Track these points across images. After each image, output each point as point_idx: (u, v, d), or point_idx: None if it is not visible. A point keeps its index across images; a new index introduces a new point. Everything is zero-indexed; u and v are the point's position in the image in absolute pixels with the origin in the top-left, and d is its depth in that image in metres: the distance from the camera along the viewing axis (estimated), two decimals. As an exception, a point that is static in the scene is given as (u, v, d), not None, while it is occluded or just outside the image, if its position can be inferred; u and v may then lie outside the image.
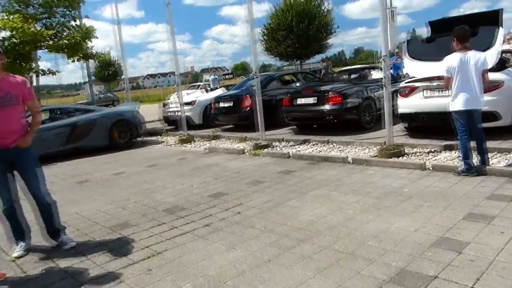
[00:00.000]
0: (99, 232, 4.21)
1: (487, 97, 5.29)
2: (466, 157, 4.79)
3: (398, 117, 7.33)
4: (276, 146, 8.15)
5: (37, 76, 14.02)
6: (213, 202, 4.87)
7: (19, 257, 3.68)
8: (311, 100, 8.86)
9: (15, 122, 3.60)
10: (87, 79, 17.01)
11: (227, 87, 14.69)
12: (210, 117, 11.67)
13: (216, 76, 23.57)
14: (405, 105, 7.21)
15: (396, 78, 10.52)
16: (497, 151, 5.68)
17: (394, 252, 3.07)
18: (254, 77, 8.40)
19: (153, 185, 6.08)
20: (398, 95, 7.38)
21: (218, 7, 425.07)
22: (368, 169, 5.70)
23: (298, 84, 11.90)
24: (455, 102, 4.78)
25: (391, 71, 12.33)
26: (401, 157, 6.02)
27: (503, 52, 6.76)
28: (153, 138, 11.93)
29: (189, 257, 3.39)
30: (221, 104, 11.15)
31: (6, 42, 11.54)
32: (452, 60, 4.73)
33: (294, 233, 3.65)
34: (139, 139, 11.13)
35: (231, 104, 10.88)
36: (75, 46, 12.67)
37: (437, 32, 7.66)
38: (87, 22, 13.99)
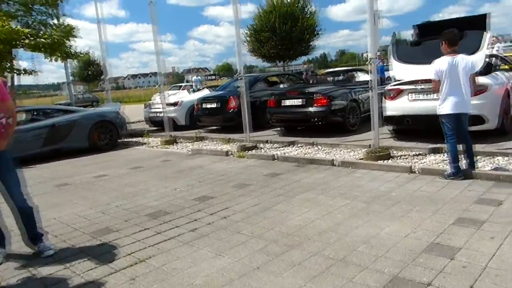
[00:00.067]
0: (79, 238, 4.03)
1: (473, 101, 5.31)
2: (454, 160, 4.79)
3: (384, 120, 7.34)
4: (262, 148, 8.06)
5: (17, 75, 13.62)
6: (198, 206, 4.75)
7: (-4, 265, 3.50)
8: (297, 102, 8.81)
9: None
10: (66, 79, 16.64)
11: (210, 88, 14.52)
12: (194, 118, 11.52)
13: (199, 77, 23.34)
14: (391, 108, 7.21)
15: (381, 81, 10.56)
16: (482, 154, 5.71)
17: (386, 259, 3.01)
18: (239, 78, 8.31)
19: (135, 188, 5.91)
20: (384, 98, 7.38)
21: (202, 7, 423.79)
22: (355, 172, 5.65)
23: (283, 86, 11.86)
24: (443, 106, 4.77)
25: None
26: (387, 160, 6.00)
27: (488, 56, 6.83)
28: (135, 139, 11.70)
29: (174, 264, 3.26)
30: (206, 105, 11.00)
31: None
32: (441, 63, 4.72)
33: (283, 239, 3.56)
34: (120, 140, 10.89)
35: (216, 106, 10.75)
36: (53, 45, 12.35)
37: (424, 35, 7.71)
38: (67, 21, 13.68)
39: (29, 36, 12.09)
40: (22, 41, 11.99)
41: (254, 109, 9.55)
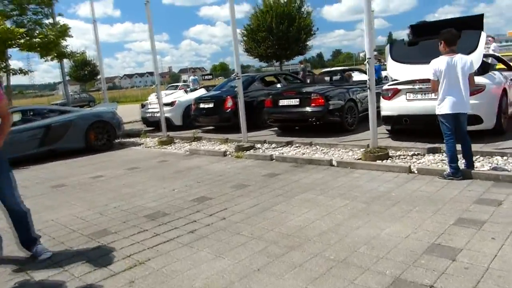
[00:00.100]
0: (76, 240, 3.99)
1: (470, 101, 5.29)
2: (452, 160, 4.78)
3: (381, 120, 7.33)
4: (259, 148, 8.03)
5: (9, 75, 13.52)
6: (196, 207, 4.71)
7: (-10, 269, 3.44)
8: (293, 102, 8.79)
9: None
10: (61, 79, 16.54)
11: (207, 88, 14.48)
12: (190, 118, 11.47)
13: (196, 77, 23.28)
14: (388, 107, 7.21)
15: (377, 81, 10.55)
16: (480, 154, 5.71)
17: (387, 260, 2.99)
18: (236, 78, 8.27)
19: (133, 189, 5.86)
20: (381, 97, 7.37)
21: (197, 7, 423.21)
22: (354, 172, 5.64)
23: (279, 86, 11.83)
24: (442, 106, 4.76)
25: None
26: (386, 160, 5.99)
27: (484, 56, 6.83)
28: (132, 139, 11.64)
29: (174, 266, 3.22)
30: (202, 105, 10.96)
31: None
32: (439, 63, 4.71)
33: (283, 240, 3.53)
34: (117, 140, 10.83)
35: (212, 105, 10.70)
36: (49, 45, 12.27)
37: (419, 35, 7.71)
38: (62, 20, 13.59)
39: (24, 35, 12.00)
40: (17, 40, 11.90)
41: (251, 109, 9.54)
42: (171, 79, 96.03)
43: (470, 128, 5.71)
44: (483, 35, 6.62)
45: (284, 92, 9.34)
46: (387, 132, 7.68)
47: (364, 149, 6.65)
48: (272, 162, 6.84)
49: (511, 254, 2.91)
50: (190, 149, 8.74)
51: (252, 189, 5.29)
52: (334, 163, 6.15)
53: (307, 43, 30.20)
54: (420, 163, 5.76)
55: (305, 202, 4.52)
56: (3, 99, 3.52)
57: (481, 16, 7.24)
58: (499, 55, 9.85)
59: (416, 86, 6.82)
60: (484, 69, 6.73)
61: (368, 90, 6.22)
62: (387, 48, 7.82)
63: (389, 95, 7.19)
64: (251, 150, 7.77)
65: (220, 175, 6.20)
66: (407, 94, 6.94)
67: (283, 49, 28.73)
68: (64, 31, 12.71)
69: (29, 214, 3.69)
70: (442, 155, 5.98)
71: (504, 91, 6.88)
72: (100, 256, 3.55)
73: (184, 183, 5.94)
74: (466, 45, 6.28)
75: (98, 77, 59.52)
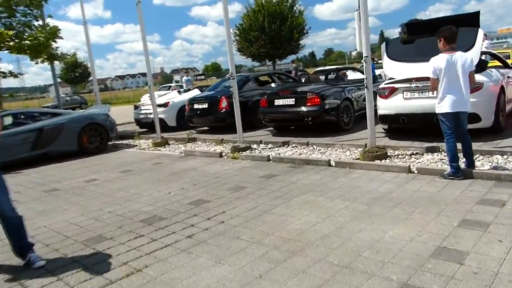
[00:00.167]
0: (71, 247, 3.86)
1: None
2: (453, 160, 4.71)
3: (378, 119, 7.26)
4: (255, 148, 7.93)
5: (2, 78, 13.30)
6: (194, 211, 4.60)
7: (-19, 279, 3.32)
8: (289, 101, 8.70)
9: None
10: (52, 81, 16.31)
11: (200, 88, 14.34)
12: (184, 119, 11.35)
13: (190, 77, 23.10)
14: (385, 106, 7.15)
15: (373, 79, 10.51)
16: (479, 153, 5.66)
17: (393, 264, 2.90)
18: (231, 78, 8.17)
19: (128, 192, 5.74)
20: (378, 96, 7.31)
21: (188, 7, 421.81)
22: (353, 173, 5.56)
23: (273, 85, 11.74)
24: (442, 104, 4.69)
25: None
26: (384, 160, 5.92)
27: (480, 53, 6.79)
28: (125, 141, 11.49)
29: (172, 274, 3.12)
30: (196, 106, 10.83)
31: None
32: (439, 61, 4.64)
33: (284, 245, 3.44)
34: (110, 143, 10.68)
35: (206, 106, 10.59)
36: (39, 47, 12.07)
37: (414, 34, 7.66)
38: (51, 22, 13.38)
39: (13, 38, 11.80)
40: (6, 43, 11.70)
41: (246, 109, 9.45)
42: (163, 79, 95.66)
43: (468, 126, 5.67)
44: (480, 32, 6.58)
45: (280, 91, 9.25)
46: (384, 131, 7.63)
47: (362, 149, 6.58)
48: (269, 163, 6.75)
49: (520, 256, 2.84)
50: (185, 150, 8.62)
51: (249, 191, 5.19)
52: (332, 163, 6.07)
53: (300, 42, 30.17)
54: (419, 162, 5.69)
55: (305, 204, 4.43)
56: None
57: (477, 14, 7.19)
58: (495, 52, 9.84)
59: (413, 85, 6.77)
60: (481, 66, 6.69)
61: (366, 89, 6.15)
62: (383, 46, 7.76)
63: (386, 93, 7.13)
64: (247, 151, 7.68)
65: (216, 177, 6.10)
66: (404, 92, 6.88)
67: (275, 48, 28.68)
68: (54, 33, 12.51)
69: (23, 220, 3.58)
70: (441, 154, 5.94)
71: (502, 88, 6.85)
72: (95, 264, 3.43)
73: (180, 185, 5.83)
74: (463, 42, 6.23)
75: (90, 78, 59.14)
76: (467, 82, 4.59)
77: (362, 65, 6.37)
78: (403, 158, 6.01)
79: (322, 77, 11.07)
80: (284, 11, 28.23)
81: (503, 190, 4.25)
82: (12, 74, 13.63)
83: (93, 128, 9.77)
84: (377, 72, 15.02)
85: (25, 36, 12.16)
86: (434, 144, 6.24)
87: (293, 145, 7.84)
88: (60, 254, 3.71)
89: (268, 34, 27.77)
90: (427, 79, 6.44)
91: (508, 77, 7.52)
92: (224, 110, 10.13)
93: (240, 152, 7.54)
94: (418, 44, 7.23)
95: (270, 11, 27.78)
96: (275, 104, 8.96)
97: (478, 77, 6.24)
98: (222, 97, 10.24)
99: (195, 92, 12.81)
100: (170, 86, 28.17)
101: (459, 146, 4.86)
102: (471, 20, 6.97)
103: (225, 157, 7.61)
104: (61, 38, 12.76)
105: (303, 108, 8.40)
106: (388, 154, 6.15)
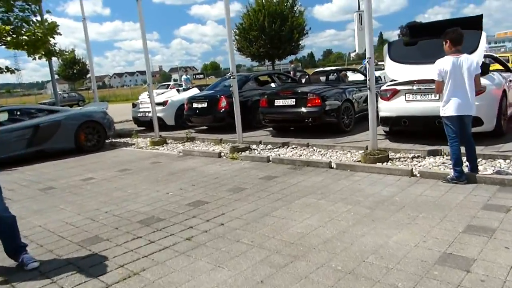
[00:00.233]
0: (66, 248, 3.76)
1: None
2: (457, 164, 4.64)
3: (379, 121, 7.19)
4: (255, 149, 7.84)
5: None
6: (192, 212, 4.51)
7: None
8: (289, 102, 8.62)
9: None
10: (50, 78, 16.16)
11: (199, 87, 14.24)
12: (183, 118, 11.25)
13: (189, 76, 23.00)
14: (387, 108, 7.08)
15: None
16: (482, 157, 5.58)
17: (398, 271, 2.82)
18: (231, 77, 8.08)
19: (125, 192, 5.64)
20: (379, 98, 7.23)
21: (188, 6, 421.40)
22: (354, 175, 5.48)
23: (273, 85, 11.66)
24: (446, 107, 4.61)
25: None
26: (386, 163, 5.84)
27: (484, 57, 6.73)
28: (123, 140, 11.38)
29: (171, 277, 3.02)
30: (195, 105, 10.74)
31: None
32: (445, 63, 4.56)
33: (286, 248, 3.35)
34: (108, 141, 10.57)
35: (206, 105, 10.49)
36: (36, 43, 11.90)
37: (416, 36, 7.59)
38: (50, 18, 13.23)
39: (10, 33, 11.64)
40: (3, 38, 11.54)
41: (245, 109, 9.36)
42: (162, 78, 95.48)
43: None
44: (484, 35, 6.51)
45: (280, 92, 9.16)
46: (385, 134, 7.55)
47: (363, 151, 6.52)
48: (269, 164, 6.66)
49: (528, 264, 2.77)
50: (183, 150, 8.52)
51: (249, 192, 5.10)
52: (333, 165, 5.99)
53: (300, 42, 30.10)
54: (421, 166, 5.61)
55: (306, 207, 4.35)
56: None
57: (480, 17, 7.13)
58: (497, 55, 9.79)
59: (415, 87, 6.70)
60: (484, 70, 6.61)
61: (368, 91, 6.07)
62: (385, 48, 7.69)
63: (388, 95, 7.06)
64: (247, 151, 7.59)
65: (215, 178, 6.01)
66: (406, 95, 6.81)
67: (275, 48, 28.60)
68: (52, 29, 12.35)
69: (16, 220, 3.48)
70: (443, 157, 5.87)
71: (504, 92, 6.79)
72: (91, 266, 3.34)
73: (178, 186, 5.73)
74: (467, 45, 6.16)
75: (88, 76, 58.94)
76: (473, 85, 4.52)
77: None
78: (405, 161, 5.93)
79: (323, 78, 10.99)
80: (285, 11, 28.16)
81: (507, 195, 4.18)
82: (9, 70, 13.44)
83: (90, 126, 9.67)
84: (377, 73, 14.95)
85: (22, 32, 11.97)
86: (436, 147, 6.17)
87: (293, 146, 7.76)
88: (54, 255, 3.61)
89: (268, 34, 27.69)
90: (429, 81, 6.40)
91: (510, 80, 7.47)
92: (223, 109, 10.04)
93: (240, 153, 7.46)
94: (420, 46, 7.16)
95: (271, 11, 27.70)
96: (275, 104, 8.88)
97: (481, 81, 6.17)
98: (222, 96, 10.15)
99: (194, 91, 12.71)
100: (169, 85, 28.06)
101: (462, 150, 4.79)
102: (474, 23, 6.90)
103: (224, 157, 7.52)
104: (60, 34, 12.60)
105: (304, 109, 8.32)
106: (390, 156, 6.08)
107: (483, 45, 6.40)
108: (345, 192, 4.75)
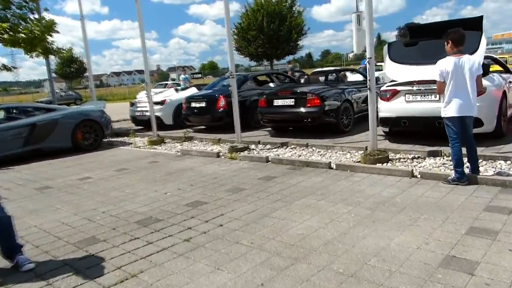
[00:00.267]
0: (62, 249, 3.70)
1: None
2: (458, 165, 4.60)
3: (379, 121, 7.15)
4: (253, 149, 7.79)
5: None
6: (191, 213, 4.45)
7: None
8: (288, 102, 8.57)
9: None
10: (47, 76, 16.06)
11: (197, 86, 14.18)
12: (181, 118, 11.19)
13: (187, 75, 22.92)
14: (387, 109, 7.04)
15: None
16: (482, 158, 5.54)
17: (401, 274, 2.77)
18: (230, 76, 8.01)
19: (122, 192, 5.58)
20: (379, 99, 7.19)
21: (186, 5, 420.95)
22: (354, 176, 5.43)
23: (272, 85, 11.61)
24: (448, 108, 4.57)
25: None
26: (386, 163, 5.80)
27: (484, 58, 6.69)
28: (120, 139, 11.31)
29: (169, 280, 2.97)
30: (193, 104, 10.67)
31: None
32: (446, 64, 4.51)
33: (286, 250, 3.30)
34: (105, 140, 10.49)
35: (204, 105, 10.43)
36: (34, 41, 11.83)
37: (416, 37, 7.55)
38: (47, 16, 13.15)
39: (7, 30, 11.56)
40: (0, 36, 11.46)
41: (244, 108, 9.31)
42: (160, 77, 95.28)
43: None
44: (484, 36, 6.48)
45: (279, 91, 9.11)
46: (384, 134, 7.51)
47: (362, 151, 6.47)
48: (268, 164, 6.61)
49: (533, 268, 2.72)
50: (181, 149, 8.46)
51: (248, 193, 5.04)
52: (333, 166, 5.95)
53: (298, 42, 30.05)
54: (421, 166, 5.57)
55: (306, 208, 4.29)
56: None
57: (480, 18, 7.10)
58: (496, 57, 9.77)
59: (415, 88, 6.66)
60: (484, 71, 6.57)
61: (368, 91, 6.03)
62: (385, 48, 7.66)
63: (388, 96, 7.02)
64: (245, 151, 7.54)
65: (214, 178, 5.95)
66: (406, 95, 6.78)
67: (274, 48, 28.54)
68: (49, 27, 12.29)
69: (12, 219, 3.41)
70: (443, 158, 5.84)
71: (504, 93, 6.76)
72: (88, 268, 3.28)
73: (176, 186, 5.67)
74: (468, 46, 6.13)
75: (85, 74, 58.71)
76: (474, 86, 4.47)
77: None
78: (405, 162, 5.89)
79: (322, 78, 10.94)
80: (283, 11, 28.10)
81: (509, 197, 4.14)
82: (5, 68, 13.38)
83: (87, 125, 9.59)
84: (376, 74, 14.95)
85: (20, 29, 11.90)
86: (436, 148, 6.14)
87: (292, 146, 7.70)
88: (50, 257, 3.54)
89: (267, 34, 27.62)
90: (429, 82, 6.37)
91: (510, 82, 7.44)
92: (222, 109, 9.98)
93: (238, 153, 7.40)
94: (421, 46, 7.13)
95: (269, 10, 27.63)
96: (274, 104, 8.83)
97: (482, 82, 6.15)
98: (220, 96, 10.09)
99: (193, 90, 12.64)
100: (167, 84, 28.01)
101: (463, 151, 4.75)
102: (474, 25, 6.87)
103: (223, 157, 7.46)
104: (57, 32, 12.56)
105: (303, 109, 8.27)
106: (390, 157, 6.03)
107: (483, 46, 6.36)
108: (345, 193, 4.71)
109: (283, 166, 6.36)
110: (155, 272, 3.10)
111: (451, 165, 5.33)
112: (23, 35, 11.72)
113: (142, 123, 12.28)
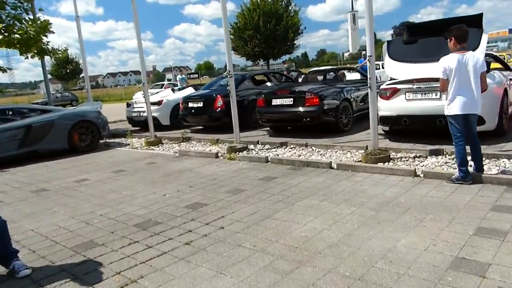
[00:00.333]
0: (59, 254, 3.59)
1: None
2: (462, 164, 4.52)
3: (379, 120, 7.07)
4: (252, 149, 7.70)
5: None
6: (191, 215, 4.36)
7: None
8: (287, 101, 8.48)
9: None
10: (42, 78, 15.90)
11: (194, 86, 14.06)
12: (178, 118, 11.08)
13: (184, 76, 22.80)
14: (387, 107, 6.96)
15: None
16: (485, 157, 5.45)
17: (410, 277, 2.69)
18: (228, 76, 7.92)
19: (120, 194, 5.47)
20: (379, 97, 7.11)
21: (181, 5, 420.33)
22: (356, 176, 5.35)
23: (269, 84, 11.52)
24: (451, 106, 4.50)
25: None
26: (388, 163, 5.72)
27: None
28: (117, 140, 11.19)
29: (170, 285, 2.87)
30: (191, 104, 10.57)
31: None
32: (450, 61, 4.44)
33: (290, 253, 3.21)
34: (102, 141, 10.38)
35: (202, 105, 10.33)
36: (29, 41, 11.66)
37: (415, 35, 7.48)
38: (42, 16, 12.99)
39: (2, 31, 11.40)
40: (-5, 37, 11.30)
41: (241, 108, 9.19)
42: (156, 78, 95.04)
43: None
44: (485, 33, 6.42)
45: (277, 91, 9.02)
46: (383, 133, 7.44)
47: (363, 150, 6.40)
48: (267, 164, 6.52)
49: (545, 269, 2.65)
50: (179, 150, 8.35)
51: (249, 194, 4.95)
52: (334, 165, 5.86)
53: (295, 42, 29.97)
54: (423, 165, 5.50)
55: (308, 209, 4.21)
56: None
57: (480, 16, 7.03)
58: (497, 54, 9.73)
59: (415, 86, 6.59)
60: (486, 68, 6.52)
61: (369, 89, 5.95)
62: (384, 46, 7.58)
63: (388, 94, 6.94)
64: (244, 152, 7.44)
65: (213, 179, 5.85)
66: (407, 93, 6.70)
67: (270, 47, 28.46)
68: (45, 27, 12.11)
69: (7, 225, 3.31)
70: (446, 157, 5.77)
71: (505, 91, 6.70)
72: (86, 273, 3.18)
73: (175, 187, 5.58)
74: (468, 43, 6.07)
75: (81, 75, 58.44)
76: (479, 83, 4.40)
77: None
78: (407, 161, 5.82)
79: (320, 77, 10.86)
80: (279, 11, 28.02)
81: (515, 196, 4.07)
82: (1, 69, 13.21)
83: (84, 126, 9.47)
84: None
85: (15, 30, 11.73)
86: (437, 146, 6.07)
87: (292, 146, 7.62)
88: (47, 262, 3.44)
89: (263, 34, 27.54)
90: (430, 80, 6.31)
91: (510, 79, 7.39)
92: (219, 109, 9.88)
93: (237, 153, 7.31)
94: (420, 44, 7.06)
95: (265, 10, 27.55)
96: (273, 103, 8.74)
97: (483, 79, 6.08)
98: (218, 95, 9.99)
99: (190, 91, 12.53)
100: (163, 84, 27.86)
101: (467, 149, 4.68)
102: (474, 22, 6.81)
103: (221, 157, 7.37)
104: (52, 32, 12.37)
105: (302, 108, 8.19)
106: (391, 156, 5.96)
107: (484, 43, 6.30)
108: (347, 193, 4.62)
109: (283, 166, 6.27)
110: (155, 277, 3.01)
111: (453, 163, 5.28)
112: (18, 35, 11.54)
113: (139, 124, 12.16)
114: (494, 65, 9.07)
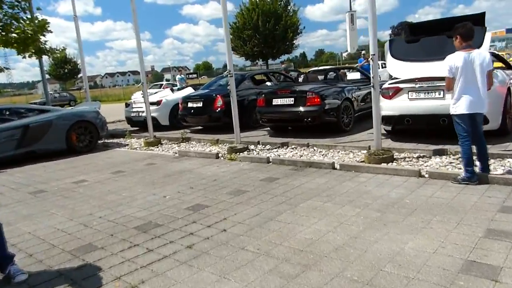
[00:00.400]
0: (57, 258, 3.50)
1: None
2: (468, 164, 4.44)
3: (381, 120, 6.98)
4: (253, 149, 7.61)
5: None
6: (192, 217, 4.27)
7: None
8: (288, 101, 8.39)
9: None
10: (40, 78, 15.78)
11: (193, 86, 13.96)
12: (177, 118, 10.99)
13: (183, 76, 22.68)
14: (389, 107, 6.88)
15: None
16: (490, 156, 5.35)
17: (420, 281, 2.61)
18: (229, 75, 7.82)
19: (119, 196, 5.37)
20: (381, 97, 7.02)
21: (179, 5, 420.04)
22: (359, 176, 5.27)
23: (269, 84, 11.44)
24: (457, 105, 4.41)
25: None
26: (391, 163, 5.64)
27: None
28: (116, 140, 11.09)
29: (172, 290, 2.79)
30: (190, 104, 10.47)
31: None
32: (456, 59, 4.36)
33: (295, 256, 3.13)
34: (100, 142, 10.27)
35: (201, 105, 10.24)
36: (26, 41, 11.55)
37: (417, 35, 7.42)
38: (40, 15, 12.89)
39: (0, 31, 11.29)
40: (-8, 36, 11.19)
41: (241, 108, 9.09)
42: (154, 78, 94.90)
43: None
44: (488, 32, 6.35)
45: (278, 90, 8.93)
46: (386, 133, 7.36)
47: (365, 151, 6.31)
48: (269, 165, 6.43)
49: (560, 273, 2.57)
50: (179, 150, 8.26)
51: (251, 195, 4.87)
52: (337, 166, 5.78)
53: (294, 41, 29.89)
54: (428, 166, 5.41)
55: (312, 211, 4.12)
56: None
57: (482, 14, 6.98)
58: (498, 53, 9.66)
59: (418, 85, 6.51)
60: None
61: (372, 89, 5.86)
62: (387, 45, 7.52)
63: (390, 94, 6.86)
64: (245, 152, 7.35)
65: (214, 180, 5.76)
66: (409, 93, 6.62)
67: (269, 47, 28.39)
68: (42, 26, 12.01)
69: (2, 228, 3.21)
70: (450, 157, 5.69)
71: (508, 90, 6.63)
72: (84, 278, 3.08)
73: (175, 188, 5.48)
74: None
75: (79, 75, 58.29)
76: (485, 81, 4.32)
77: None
78: (410, 161, 5.74)
79: (321, 77, 10.78)
80: (278, 10, 27.95)
81: (523, 197, 3.99)
82: (-2, 69, 13.12)
83: (82, 126, 9.37)
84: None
85: (12, 29, 11.62)
86: (441, 146, 5.99)
87: (293, 146, 7.53)
88: (45, 266, 3.34)
89: (262, 33, 27.46)
90: (433, 79, 6.23)
91: (512, 78, 7.32)
92: (219, 109, 9.80)
93: (238, 153, 7.22)
94: (423, 43, 6.99)
95: (264, 10, 27.47)
96: (273, 103, 8.66)
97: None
98: (218, 95, 9.90)
99: (189, 90, 12.43)
100: (162, 85, 27.75)
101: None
102: (477, 21, 6.74)
103: (222, 158, 7.28)
104: (50, 31, 12.27)
105: (303, 108, 8.10)
106: (394, 157, 5.88)
107: (487, 41, 6.24)
108: (351, 194, 4.54)
109: (285, 166, 6.19)
110: (157, 282, 2.92)
111: (458, 164, 5.21)
112: (15, 35, 11.44)
113: (138, 124, 12.06)
114: (495, 64, 9.01)
